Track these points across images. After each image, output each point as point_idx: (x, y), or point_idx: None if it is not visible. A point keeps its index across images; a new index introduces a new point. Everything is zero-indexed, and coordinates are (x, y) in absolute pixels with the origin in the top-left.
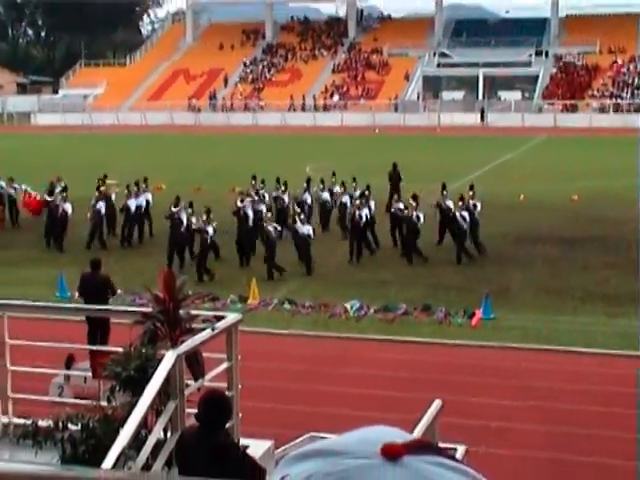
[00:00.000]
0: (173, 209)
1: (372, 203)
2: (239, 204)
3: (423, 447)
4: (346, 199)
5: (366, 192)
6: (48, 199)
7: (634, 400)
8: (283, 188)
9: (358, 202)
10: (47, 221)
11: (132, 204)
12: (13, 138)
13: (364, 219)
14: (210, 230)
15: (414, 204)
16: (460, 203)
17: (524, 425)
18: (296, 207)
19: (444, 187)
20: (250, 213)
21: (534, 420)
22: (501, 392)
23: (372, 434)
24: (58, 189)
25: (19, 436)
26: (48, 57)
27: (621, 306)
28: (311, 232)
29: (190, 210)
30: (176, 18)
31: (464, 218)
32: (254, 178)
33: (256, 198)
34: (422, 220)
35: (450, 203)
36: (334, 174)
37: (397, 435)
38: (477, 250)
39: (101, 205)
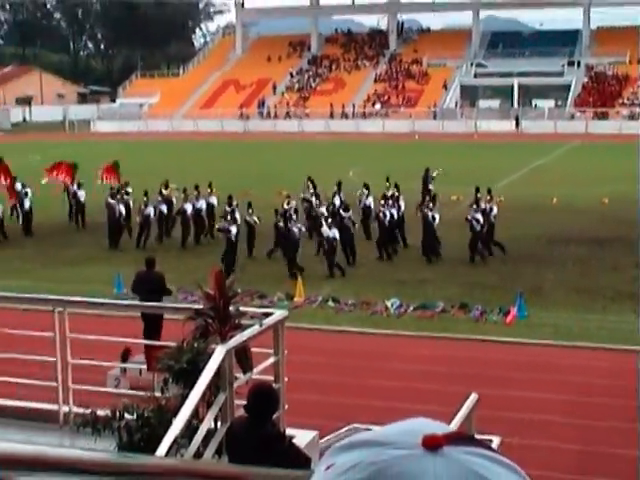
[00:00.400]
0: (227, 208)
1: (402, 204)
2: (285, 206)
3: (462, 438)
4: (369, 201)
5: (396, 193)
6: (111, 202)
7: None
8: (312, 190)
9: (383, 202)
10: (109, 222)
11: (188, 207)
12: (75, 145)
13: (388, 218)
14: (233, 229)
15: (431, 205)
16: (474, 206)
17: (556, 418)
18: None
19: (477, 190)
20: (294, 215)
21: (566, 413)
22: (534, 386)
23: (413, 426)
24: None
25: (79, 424)
26: (107, 69)
27: None
28: (337, 235)
29: (250, 210)
30: (226, 31)
31: (477, 220)
32: (310, 180)
33: (316, 202)
34: (437, 220)
35: (482, 204)
36: (388, 179)
37: (437, 427)
38: (487, 251)
39: (150, 209)
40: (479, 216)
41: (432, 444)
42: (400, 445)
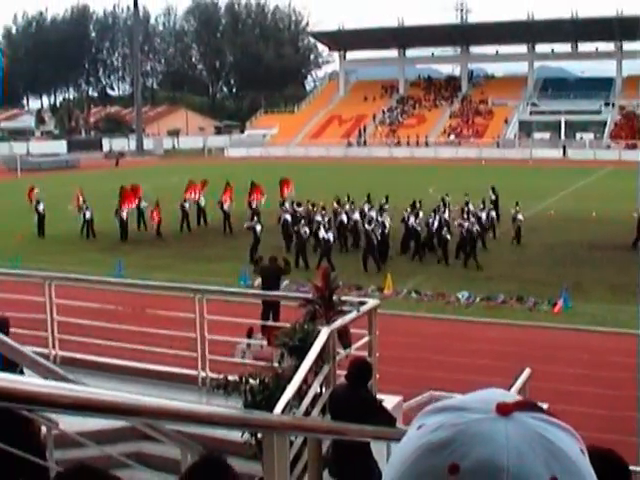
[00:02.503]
0: (373, 214)
1: (387, 220)
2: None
3: (529, 406)
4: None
5: (385, 206)
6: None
7: None
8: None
9: (466, 216)
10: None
11: (344, 218)
12: (212, 167)
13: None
14: (258, 227)
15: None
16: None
17: (594, 389)
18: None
19: (467, 203)
20: (387, 224)
21: (601, 385)
22: (576, 363)
23: (488, 395)
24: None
25: (214, 387)
26: (237, 107)
27: None
28: (331, 238)
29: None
30: (331, 77)
31: (462, 226)
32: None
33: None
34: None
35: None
36: (485, 202)
37: (507, 396)
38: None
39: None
40: (465, 223)
41: (504, 410)
42: (478, 410)
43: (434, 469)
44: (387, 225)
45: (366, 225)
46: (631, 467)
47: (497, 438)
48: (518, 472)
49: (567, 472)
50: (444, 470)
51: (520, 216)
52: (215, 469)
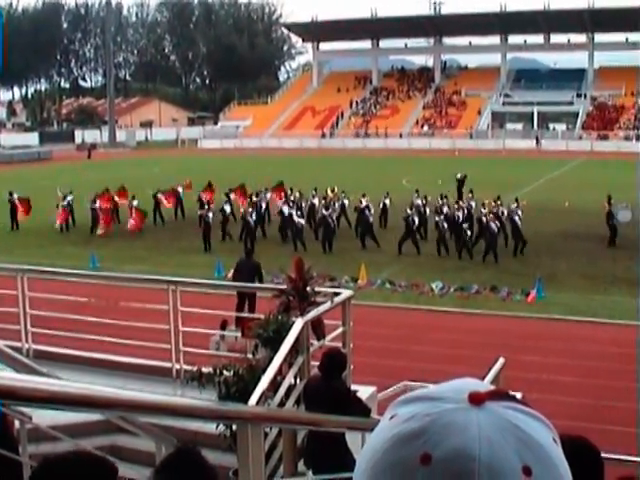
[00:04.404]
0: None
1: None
2: (363, 204)
3: (502, 395)
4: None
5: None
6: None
7: None
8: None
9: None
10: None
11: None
12: (185, 159)
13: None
14: (210, 215)
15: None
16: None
17: (567, 378)
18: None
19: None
20: (367, 212)
21: (575, 374)
22: (550, 352)
23: (461, 384)
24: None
25: (188, 379)
26: (210, 98)
27: None
28: (302, 222)
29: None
30: (305, 68)
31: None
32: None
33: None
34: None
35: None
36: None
37: (480, 385)
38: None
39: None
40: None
41: (476, 399)
42: (450, 400)
43: (406, 459)
44: (370, 216)
45: (323, 210)
46: (604, 455)
47: (469, 428)
48: (489, 461)
49: (539, 460)
50: (416, 460)
51: (519, 211)
52: (189, 461)
